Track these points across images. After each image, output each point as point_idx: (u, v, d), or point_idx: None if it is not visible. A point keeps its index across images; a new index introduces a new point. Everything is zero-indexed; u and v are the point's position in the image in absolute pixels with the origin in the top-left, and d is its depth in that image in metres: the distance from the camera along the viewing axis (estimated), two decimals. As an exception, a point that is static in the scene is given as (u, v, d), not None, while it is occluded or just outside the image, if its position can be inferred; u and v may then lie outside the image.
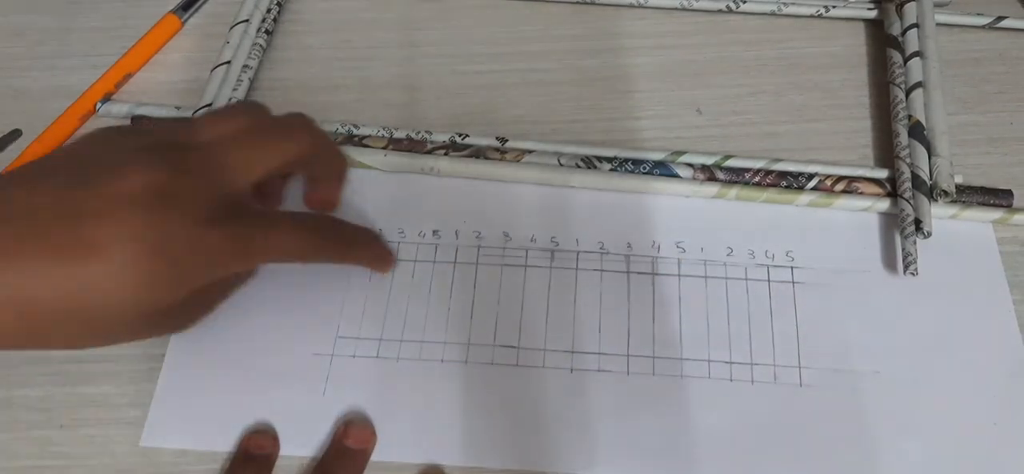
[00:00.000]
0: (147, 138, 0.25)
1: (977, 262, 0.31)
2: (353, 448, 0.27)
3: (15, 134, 0.36)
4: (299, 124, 0.27)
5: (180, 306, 0.23)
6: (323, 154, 0.28)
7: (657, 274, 0.31)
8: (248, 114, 0.27)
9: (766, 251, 0.32)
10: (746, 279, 0.31)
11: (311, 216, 0.28)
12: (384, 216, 0.33)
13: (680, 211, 0.33)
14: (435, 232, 0.32)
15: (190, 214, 0.23)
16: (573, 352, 0.29)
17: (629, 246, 0.32)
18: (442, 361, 0.29)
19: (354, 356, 0.30)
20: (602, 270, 0.31)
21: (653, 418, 0.28)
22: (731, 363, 0.29)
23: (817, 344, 0.29)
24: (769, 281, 0.31)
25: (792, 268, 0.31)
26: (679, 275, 0.31)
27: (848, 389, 0.29)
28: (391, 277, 0.31)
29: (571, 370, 0.29)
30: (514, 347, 0.30)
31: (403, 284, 0.31)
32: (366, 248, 0.30)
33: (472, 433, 0.28)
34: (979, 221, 0.32)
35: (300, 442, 0.28)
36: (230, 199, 0.24)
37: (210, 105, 0.35)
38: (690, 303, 0.30)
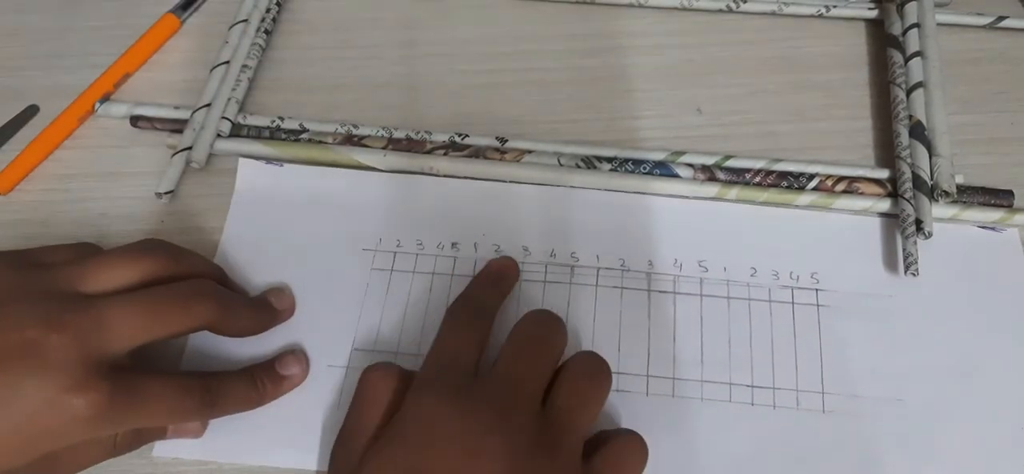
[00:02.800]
0: (32, 281, 0.24)
1: (1005, 281, 0.31)
2: (502, 272, 0.30)
3: (32, 110, 0.36)
4: (202, 294, 0.26)
5: (24, 468, 0.23)
6: (227, 323, 0.27)
7: (678, 293, 0.31)
8: (153, 263, 0.26)
9: (790, 273, 0.31)
10: (770, 301, 0.30)
11: (188, 376, 0.26)
12: (399, 224, 0.32)
13: (696, 225, 0.32)
14: (454, 245, 0.32)
15: (53, 378, 0.22)
16: None
17: (651, 264, 0.31)
18: None
19: None
20: (623, 288, 0.31)
21: (673, 441, 0.28)
22: (753, 387, 0.29)
23: (841, 370, 0.29)
24: (793, 304, 0.30)
25: (817, 291, 0.31)
26: (701, 295, 0.30)
27: (871, 417, 0.28)
28: (409, 289, 0.31)
29: None
30: None
31: (421, 297, 0.31)
32: (244, 398, 0.27)
33: None
34: (988, 222, 0.32)
35: (314, 455, 0.27)
36: (102, 363, 0.23)
37: (209, 105, 0.35)
38: (712, 324, 0.30)
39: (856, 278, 0.31)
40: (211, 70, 0.37)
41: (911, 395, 0.28)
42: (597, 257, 0.31)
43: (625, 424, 0.28)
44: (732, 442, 0.28)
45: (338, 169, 0.34)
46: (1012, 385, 0.28)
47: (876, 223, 0.32)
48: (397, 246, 0.32)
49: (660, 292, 0.31)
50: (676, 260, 0.31)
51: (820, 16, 0.39)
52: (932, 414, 0.28)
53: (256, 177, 0.33)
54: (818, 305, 0.30)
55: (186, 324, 0.25)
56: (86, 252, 0.27)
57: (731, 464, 0.27)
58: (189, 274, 0.27)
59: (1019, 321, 0.30)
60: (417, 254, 0.32)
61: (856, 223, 0.32)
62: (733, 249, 0.31)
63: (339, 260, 0.31)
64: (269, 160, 0.34)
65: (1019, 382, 0.29)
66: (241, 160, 0.34)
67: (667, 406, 0.28)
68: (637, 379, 0.29)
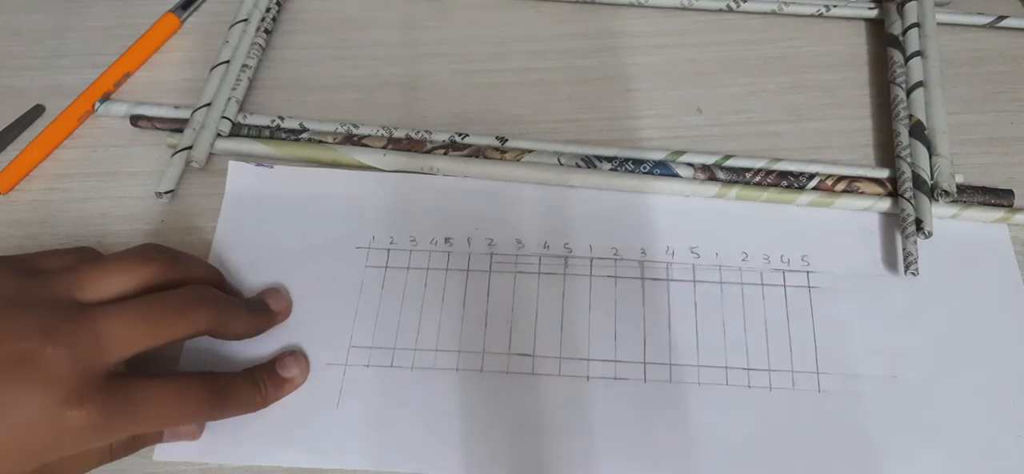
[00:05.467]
0: (29, 289, 0.24)
1: (993, 264, 0.31)
2: None
3: (38, 110, 0.36)
4: (199, 301, 0.26)
5: None
6: (224, 328, 0.27)
7: (672, 280, 0.31)
8: (150, 270, 0.25)
9: (781, 256, 0.31)
10: (762, 284, 0.31)
11: (188, 378, 0.26)
12: (391, 221, 0.32)
13: (689, 215, 0.32)
14: (447, 240, 0.32)
15: (49, 389, 0.22)
16: (589, 360, 0.29)
17: (643, 252, 0.31)
18: (457, 370, 0.29)
19: (368, 365, 0.29)
20: (616, 277, 0.31)
21: (671, 426, 0.28)
22: (749, 369, 0.29)
23: (835, 349, 0.29)
24: (785, 286, 0.31)
25: (808, 273, 0.31)
26: (694, 281, 0.31)
27: (866, 395, 0.28)
28: (404, 286, 0.31)
29: (587, 378, 0.29)
30: (529, 355, 0.29)
31: (416, 292, 0.31)
32: (247, 400, 0.27)
33: (490, 443, 0.28)
34: (988, 221, 0.32)
35: (316, 454, 0.27)
36: (98, 373, 0.23)
37: (209, 105, 0.35)
38: (706, 309, 0.30)
39: (847, 261, 0.31)
40: (211, 70, 0.37)
41: (906, 373, 0.29)
42: (590, 247, 0.32)
43: (625, 411, 0.28)
44: (730, 425, 0.28)
45: (329, 169, 0.34)
46: (1003, 361, 0.29)
47: (872, 214, 0.32)
48: (390, 243, 0.32)
49: (654, 280, 0.31)
50: (668, 247, 0.31)
51: (820, 16, 0.39)
52: (926, 391, 0.28)
53: (247, 179, 0.33)
54: (810, 287, 0.31)
55: (184, 331, 0.25)
56: (84, 258, 0.27)
57: (730, 447, 0.27)
58: (187, 279, 0.27)
59: (1007, 296, 0.30)
60: (411, 250, 0.32)
61: (849, 215, 0.32)
62: (724, 236, 0.32)
63: (333, 259, 0.31)
64: (259, 162, 0.34)
65: (1009, 357, 0.29)
66: (231, 162, 0.34)
67: (665, 392, 0.28)
68: (635, 366, 0.29)
